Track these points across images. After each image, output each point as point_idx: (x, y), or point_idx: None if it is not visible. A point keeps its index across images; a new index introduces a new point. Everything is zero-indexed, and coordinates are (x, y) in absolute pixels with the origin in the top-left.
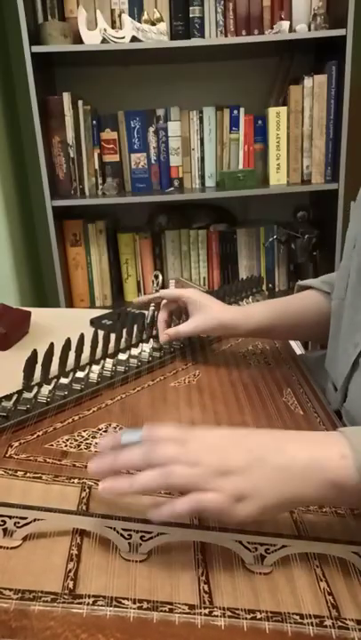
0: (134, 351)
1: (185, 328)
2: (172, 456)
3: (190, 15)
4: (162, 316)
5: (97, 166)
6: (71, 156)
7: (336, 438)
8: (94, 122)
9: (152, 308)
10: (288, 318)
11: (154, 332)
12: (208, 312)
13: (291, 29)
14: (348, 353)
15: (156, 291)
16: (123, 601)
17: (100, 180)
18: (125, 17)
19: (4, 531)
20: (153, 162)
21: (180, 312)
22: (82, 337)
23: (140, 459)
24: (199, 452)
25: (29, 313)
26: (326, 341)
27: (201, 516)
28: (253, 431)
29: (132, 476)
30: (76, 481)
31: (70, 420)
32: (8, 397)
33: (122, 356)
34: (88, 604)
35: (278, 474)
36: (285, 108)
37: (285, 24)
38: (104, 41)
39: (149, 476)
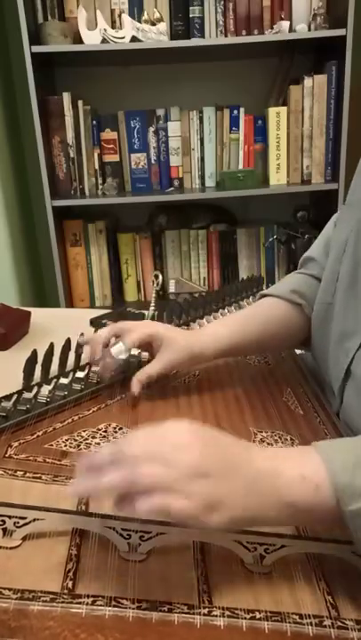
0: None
1: (155, 368)
2: (142, 453)
3: (190, 15)
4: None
5: (97, 166)
6: (71, 156)
7: (306, 457)
8: (94, 122)
9: (152, 308)
10: (253, 333)
11: None
12: (175, 345)
13: (291, 29)
14: (340, 361)
15: (157, 291)
16: (122, 601)
17: (100, 180)
18: (125, 17)
19: (4, 530)
20: (153, 162)
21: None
22: (82, 337)
23: (107, 455)
24: (172, 451)
25: (29, 313)
26: (304, 348)
27: (164, 519)
28: (227, 435)
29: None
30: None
31: (70, 420)
32: (8, 397)
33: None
34: (87, 603)
35: (249, 484)
36: (285, 108)
37: (285, 24)
38: (104, 41)
39: (115, 475)
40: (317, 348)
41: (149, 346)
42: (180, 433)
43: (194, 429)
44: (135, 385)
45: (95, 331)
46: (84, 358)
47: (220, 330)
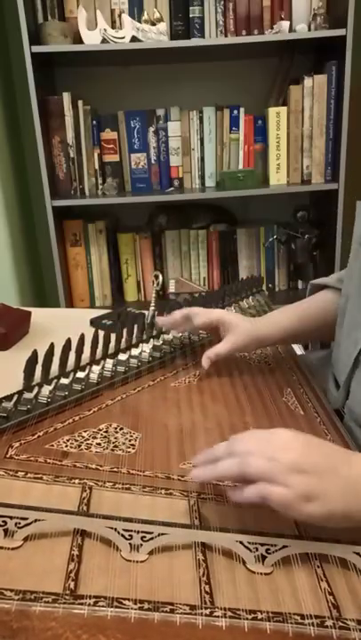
0: (134, 351)
1: (223, 349)
2: (252, 448)
3: (190, 15)
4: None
5: (97, 166)
6: (71, 156)
7: None
8: (94, 122)
9: (152, 308)
10: (312, 322)
11: (154, 332)
12: (241, 330)
13: (291, 29)
14: (349, 351)
15: (157, 291)
16: (124, 601)
17: (100, 180)
18: (125, 17)
19: (5, 531)
20: (153, 162)
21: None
22: (82, 337)
23: (223, 449)
24: (277, 448)
25: (29, 313)
26: None
27: (267, 506)
28: (325, 441)
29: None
30: (76, 481)
31: (71, 421)
32: (8, 398)
33: (122, 357)
34: (89, 604)
35: (348, 485)
36: (285, 108)
37: (285, 24)
38: (104, 41)
39: (228, 463)
40: (336, 341)
41: (216, 329)
42: (284, 435)
43: (296, 433)
44: (205, 361)
45: (95, 331)
46: (85, 358)
47: (283, 320)
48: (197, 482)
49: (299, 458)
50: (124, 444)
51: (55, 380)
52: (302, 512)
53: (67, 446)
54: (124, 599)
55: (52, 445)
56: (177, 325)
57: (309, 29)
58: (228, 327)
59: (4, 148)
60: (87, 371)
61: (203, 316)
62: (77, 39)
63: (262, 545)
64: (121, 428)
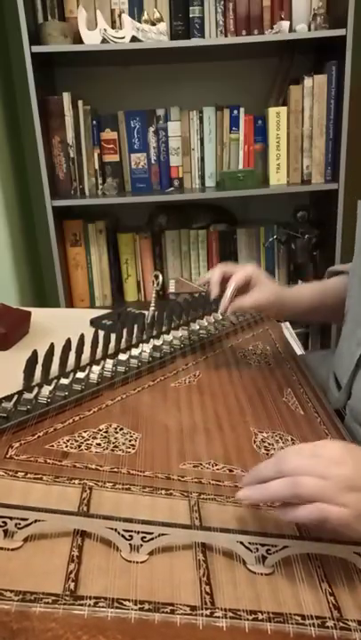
0: (134, 351)
1: (247, 301)
2: (302, 467)
3: (190, 15)
4: (230, 291)
5: (97, 166)
6: (71, 156)
7: None
8: (94, 122)
9: (152, 308)
10: (331, 299)
11: (154, 332)
12: (268, 288)
13: (291, 29)
14: (352, 350)
15: (157, 291)
16: (124, 602)
17: (100, 180)
18: (125, 17)
19: (5, 532)
20: (153, 162)
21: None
22: (82, 337)
23: (271, 468)
24: (329, 465)
25: (29, 313)
26: None
27: (321, 526)
28: None
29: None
30: (76, 482)
31: (71, 421)
32: (8, 398)
33: (122, 357)
34: (89, 605)
35: None
36: (285, 108)
37: (285, 24)
38: (104, 41)
39: (279, 484)
40: (341, 337)
41: (246, 285)
42: (334, 449)
43: (346, 447)
44: (228, 310)
45: (95, 331)
46: (85, 358)
47: (307, 292)
48: (246, 503)
49: (352, 473)
50: (123, 444)
51: (55, 381)
52: (359, 531)
53: (67, 446)
54: (125, 600)
55: (52, 446)
56: (214, 284)
57: (309, 29)
58: (256, 282)
59: (4, 147)
60: (87, 371)
61: (240, 273)
62: (77, 39)
63: (263, 545)
64: (121, 429)
